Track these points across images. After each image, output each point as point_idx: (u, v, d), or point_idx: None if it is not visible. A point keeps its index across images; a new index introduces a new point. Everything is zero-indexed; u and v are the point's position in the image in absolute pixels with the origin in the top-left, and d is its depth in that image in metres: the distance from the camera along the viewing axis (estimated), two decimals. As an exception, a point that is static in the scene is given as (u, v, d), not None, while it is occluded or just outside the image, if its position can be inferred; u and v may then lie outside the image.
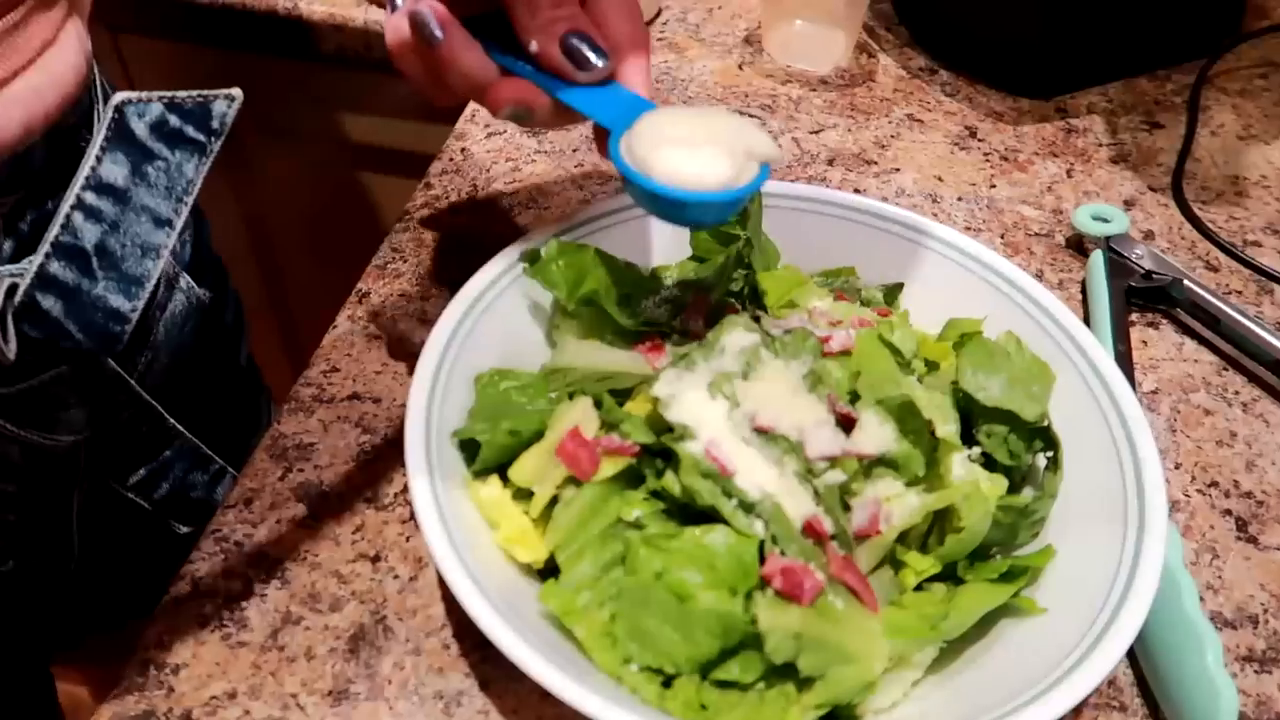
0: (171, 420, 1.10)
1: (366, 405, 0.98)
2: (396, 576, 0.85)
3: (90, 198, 0.77)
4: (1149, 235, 1.21)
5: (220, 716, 0.75)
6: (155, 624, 0.80)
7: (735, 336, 0.81)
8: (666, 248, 0.96)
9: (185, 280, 1.12)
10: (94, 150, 0.77)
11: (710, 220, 0.78)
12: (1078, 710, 0.78)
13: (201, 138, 0.82)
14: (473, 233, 1.17)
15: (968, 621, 0.71)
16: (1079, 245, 1.18)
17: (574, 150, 1.30)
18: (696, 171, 0.71)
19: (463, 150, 1.30)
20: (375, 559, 0.86)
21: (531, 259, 0.85)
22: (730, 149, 0.72)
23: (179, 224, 0.84)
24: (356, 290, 1.10)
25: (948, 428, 0.75)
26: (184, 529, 1.15)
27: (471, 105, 1.38)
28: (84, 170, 0.77)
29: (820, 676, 0.66)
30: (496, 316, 0.86)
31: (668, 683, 0.68)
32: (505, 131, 1.33)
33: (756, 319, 0.84)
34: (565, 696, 0.62)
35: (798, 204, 0.97)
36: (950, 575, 0.76)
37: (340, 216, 1.70)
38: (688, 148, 0.71)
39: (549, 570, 0.75)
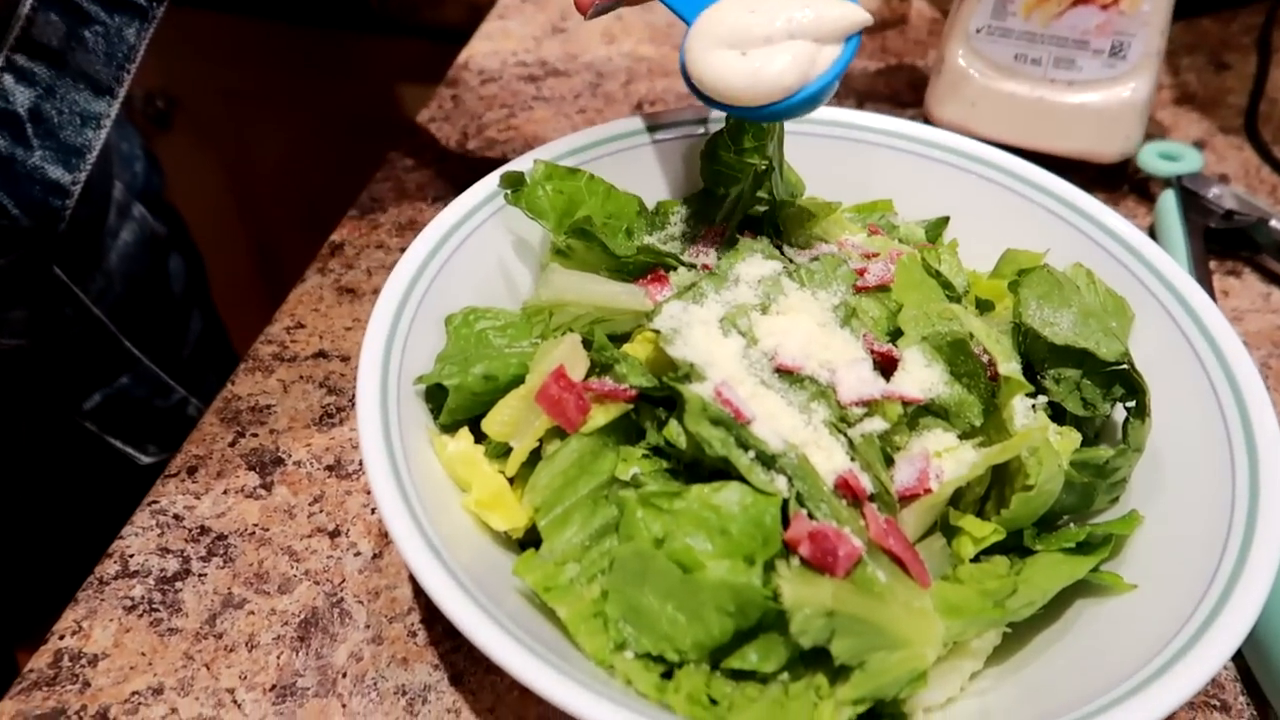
0: (127, 343, 1.03)
1: (333, 364, 0.86)
2: (358, 554, 0.72)
3: (21, 60, 0.72)
4: (1223, 179, 1.07)
5: (142, 715, 0.63)
6: (74, 608, 0.69)
7: (753, 264, 0.68)
8: (677, 181, 0.83)
9: (139, 209, 1.05)
10: (25, 9, 0.71)
11: (794, 115, 0.67)
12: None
13: (143, 1, 0.75)
14: (460, 183, 1.05)
15: (1039, 600, 0.58)
16: (1144, 189, 1.04)
17: (576, 97, 1.18)
18: (757, 71, 0.62)
19: (454, 97, 1.18)
20: (334, 534, 0.74)
21: (514, 184, 0.73)
22: (802, 31, 0.62)
23: (121, 92, 0.78)
24: (329, 242, 0.98)
25: (1010, 365, 0.62)
26: (145, 459, 1.07)
27: (465, 53, 1.27)
28: (14, 30, 0.71)
29: (859, 665, 0.53)
30: (474, 252, 0.73)
31: (669, 673, 0.55)
32: (500, 78, 1.21)
33: (778, 247, 0.71)
34: (543, 690, 0.49)
35: (824, 130, 0.84)
36: (1015, 546, 0.62)
37: (332, 185, 1.59)
38: (754, 45, 0.63)
39: (531, 541, 0.62)
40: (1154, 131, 1.13)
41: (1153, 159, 1.01)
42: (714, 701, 0.53)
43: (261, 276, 1.76)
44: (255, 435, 0.80)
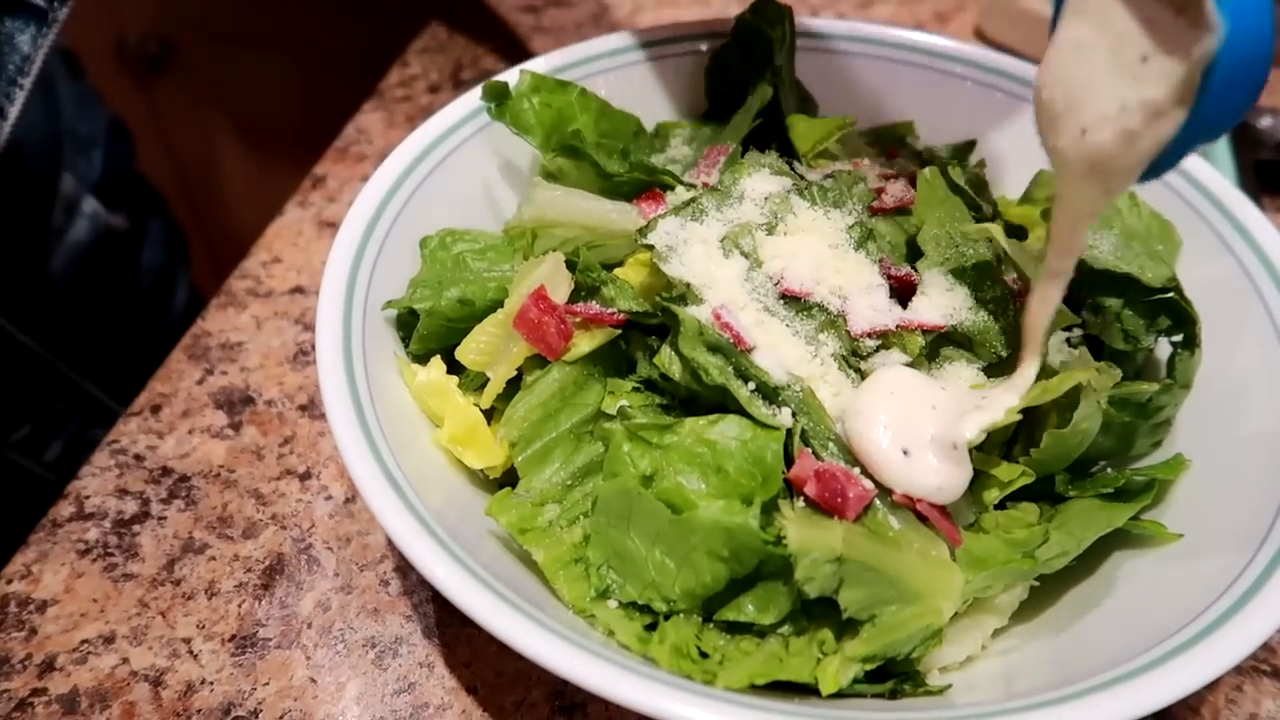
0: (63, 367, 0.92)
1: (310, 300, 0.81)
2: (329, 497, 0.67)
3: None
4: (1276, 112, 0.99)
5: (91, 665, 0.58)
6: (24, 551, 0.64)
7: (759, 180, 0.61)
8: (680, 101, 0.77)
9: (91, 204, 0.96)
10: None
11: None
12: (1216, 676, 0.58)
13: (42, 2, 0.65)
14: (454, 112, 0.99)
15: (1073, 550, 0.52)
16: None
17: (578, 27, 1.12)
18: None
19: (449, 29, 1.11)
20: (305, 476, 0.68)
21: (497, 96, 0.67)
22: None
23: (13, 111, 0.67)
24: (311, 175, 0.92)
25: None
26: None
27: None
28: None
29: (869, 619, 0.48)
30: (454, 173, 0.67)
31: (656, 624, 0.50)
32: (499, 9, 1.14)
33: (789, 164, 0.64)
34: (512, 639, 0.44)
35: (839, 46, 0.77)
36: (1046, 493, 0.56)
37: (327, 125, 1.53)
38: None
39: (510, 481, 0.57)
40: (1199, 63, 1.05)
41: (1198, 88, 0.93)
42: (704, 655, 0.47)
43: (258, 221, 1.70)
44: (225, 373, 0.75)
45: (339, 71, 1.49)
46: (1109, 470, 0.58)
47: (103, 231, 0.97)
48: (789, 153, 0.71)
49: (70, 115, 0.96)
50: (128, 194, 1.05)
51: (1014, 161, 0.72)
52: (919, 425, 0.50)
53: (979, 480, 0.54)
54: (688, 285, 0.55)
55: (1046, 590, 0.55)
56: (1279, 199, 0.89)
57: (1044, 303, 0.52)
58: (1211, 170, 0.65)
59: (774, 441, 0.50)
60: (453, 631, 0.60)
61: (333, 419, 0.51)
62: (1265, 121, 0.88)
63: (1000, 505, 0.55)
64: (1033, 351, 0.52)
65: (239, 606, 0.61)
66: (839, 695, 0.47)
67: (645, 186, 0.65)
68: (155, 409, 0.72)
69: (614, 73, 0.75)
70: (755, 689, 0.45)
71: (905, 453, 0.50)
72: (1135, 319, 0.59)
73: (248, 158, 1.63)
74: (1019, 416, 0.50)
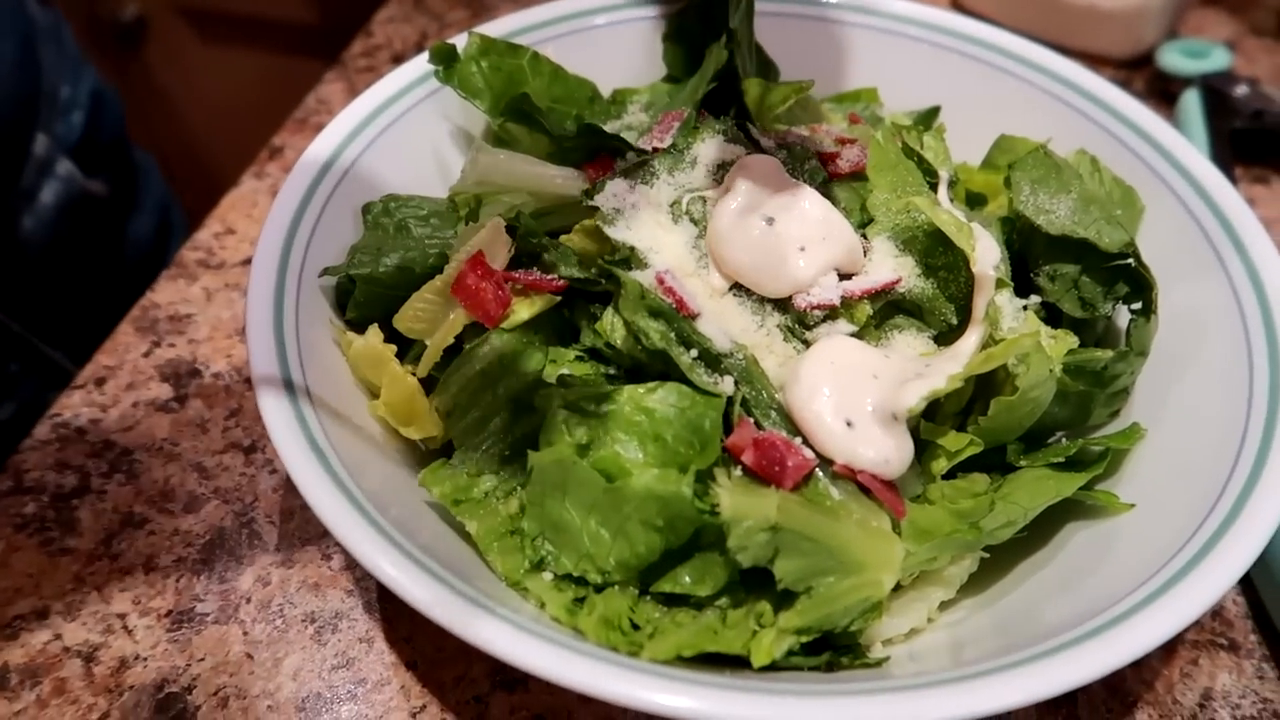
0: (17, 327, 0.90)
1: (263, 270, 0.79)
2: (274, 471, 0.66)
3: None
4: (1253, 81, 0.97)
5: (23, 641, 0.57)
6: (-42, 525, 0.63)
7: (712, 146, 0.60)
8: (638, 67, 0.75)
9: (66, 166, 0.94)
10: None
11: None
12: (1170, 647, 0.57)
13: None
14: (416, 82, 0.97)
15: (1019, 520, 0.51)
16: (1164, 93, 0.95)
17: (547, -3, 1.09)
18: None
19: (415, -2, 1.09)
20: (249, 450, 0.67)
21: (444, 59, 0.65)
22: None
23: None
24: (269, 145, 0.91)
25: (988, 260, 0.54)
26: None
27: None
28: None
29: (805, 591, 0.46)
30: (402, 138, 0.66)
31: (593, 595, 0.48)
32: (467, -23, 1.12)
33: (743, 129, 0.63)
34: (427, 609, 0.42)
35: (800, 10, 0.75)
36: (998, 464, 0.55)
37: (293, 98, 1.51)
38: None
39: (451, 451, 0.55)
40: (1178, 33, 1.03)
41: (1175, 57, 0.92)
42: (636, 627, 0.46)
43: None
44: (172, 345, 0.73)
45: (309, 42, 1.47)
46: (1064, 441, 0.57)
47: (78, 196, 0.95)
48: (747, 118, 0.69)
49: (52, 78, 0.94)
50: (111, 162, 1.02)
51: (978, 127, 0.70)
52: (860, 395, 0.49)
53: (927, 450, 0.53)
54: (632, 249, 0.53)
55: (997, 562, 0.54)
56: (1253, 168, 0.87)
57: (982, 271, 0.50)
58: (1175, 134, 0.63)
59: (713, 409, 0.49)
60: (394, 606, 0.59)
61: (258, 387, 0.49)
62: (1240, 90, 0.86)
63: (951, 475, 0.53)
64: (975, 319, 0.51)
65: (177, 581, 0.60)
66: (775, 669, 0.46)
67: (596, 152, 0.63)
68: (100, 381, 0.71)
69: (570, 37, 0.73)
70: (684, 662, 0.44)
71: (849, 424, 0.49)
72: (1092, 285, 0.57)
73: (217, 130, 1.61)
74: (960, 384, 0.48)
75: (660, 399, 0.49)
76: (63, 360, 0.94)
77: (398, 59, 1.01)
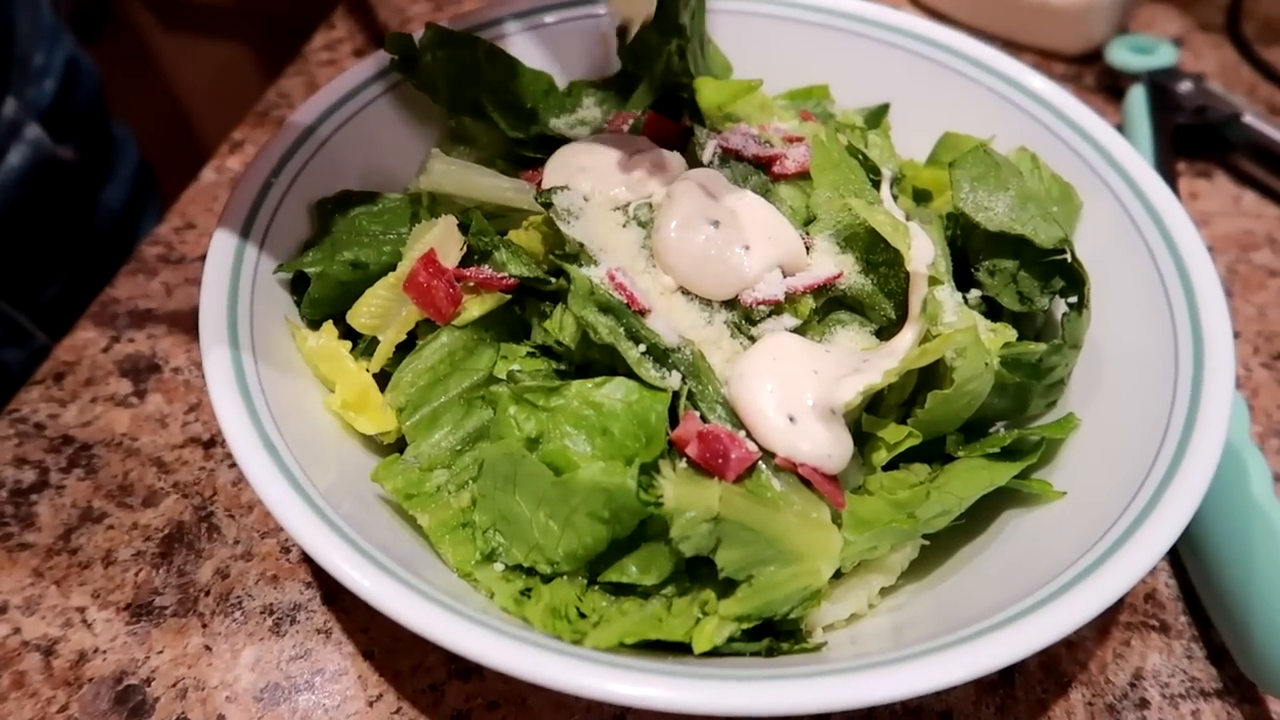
0: None
1: (222, 265, 0.79)
2: (233, 465, 0.67)
3: None
4: (1199, 77, 0.99)
5: (-18, 636, 0.58)
6: (-84, 521, 0.63)
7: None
8: (595, 61, 0.76)
9: (34, 131, 0.94)
10: None
11: None
12: (1104, 629, 0.59)
13: None
14: (377, 76, 0.97)
15: (954, 508, 0.52)
16: (1113, 88, 0.97)
17: (509, -10, 1.10)
18: None
19: (378, -11, 1.09)
20: (209, 444, 0.68)
21: (401, 49, 0.66)
22: None
23: None
24: (229, 139, 0.91)
25: (923, 259, 0.55)
26: None
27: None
28: None
29: (746, 580, 0.48)
30: (361, 134, 0.66)
31: (545, 582, 0.50)
32: (429, -30, 1.12)
33: (689, 132, 0.64)
34: (377, 601, 0.44)
35: (753, 8, 0.76)
36: (940, 454, 0.57)
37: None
38: None
39: (406, 446, 0.56)
40: (1128, 29, 1.05)
41: (1123, 53, 0.94)
42: (583, 615, 0.47)
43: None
44: (132, 340, 0.74)
45: (273, 36, 1.46)
46: (1003, 431, 0.58)
47: (46, 160, 0.95)
48: (698, 115, 0.70)
49: (25, 44, 0.94)
50: (84, 130, 1.03)
51: (927, 125, 0.71)
52: (800, 389, 0.50)
53: (868, 442, 0.54)
54: (581, 246, 0.55)
55: (938, 548, 0.55)
56: (1197, 163, 0.89)
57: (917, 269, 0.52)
58: (1113, 133, 0.65)
59: (659, 403, 0.50)
60: (352, 598, 0.59)
61: (211, 383, 0.50)
62: (1184, 86, 0.89)
63: (893, 465, 0.55)
64: (911, 315, 0.53)
65: (136, 575, 0.61)
66: (716, 654, 0.47)
67: (548, 150, 0.64)
68: (59, 377, 0.71)
69: (529, 31, 0.74)
70: (628, 649, 0.45)
71: (790, 419, 0.50)
72: (1030, 280, 0.59)
73: (180, 123, 1.60)
74: (895, 379, 0.50)
75: (607, 393, 0.51)
76: (26, 322, 0.94)
77: (360, 53, 1.01)
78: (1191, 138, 0.88)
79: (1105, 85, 0.97)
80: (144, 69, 1.61)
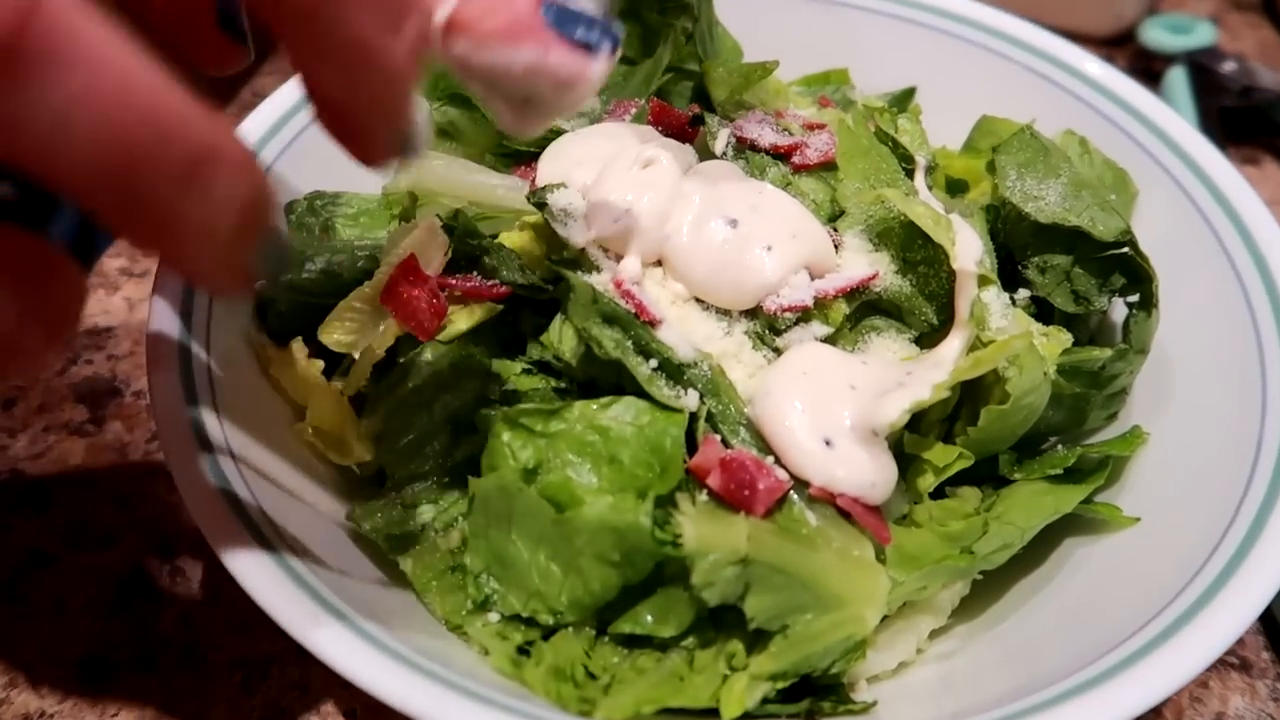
0: None
1: (191, 278, 0.73)
2: (200, 498, 0.60)
3: None
4: (1242, 58, 0.93)
5: (-86, 700, 0.51)
6: None
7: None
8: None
9: None
10: None
11: None
12: (1180, 672, 0.53)
13: None
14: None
15: (1016, 542, 0.46)
16: (1147, 71, 0.90)
17: (500, -20, 1.04)
18: None
19: (359, -17, 1.03)
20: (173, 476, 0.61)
21: (375, 40, 0.59)
22: None
23: None
24: (201, 142, 0.84)
25: (970, 255, 0.49)
26: None
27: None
28: None
29: (780, 630, 0.41)
30: (334, 131, 0.60)
31: (545, 638, 0.43)
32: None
33: (699, 120, 0.57)
34: (343, 669, 0.37)
35: (768, -13, 0.70)
36: (990, 475, 0.50)
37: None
38: None
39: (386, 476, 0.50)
40: (1160, 8, 0.99)
41: (1158, 33, 0.88)
42: (592, 676, 0.41)
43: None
44: (90, 362, 0.67)
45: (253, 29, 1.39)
46: (1059, 447, 0.52)
47: None
48: (708, 102, 0.64)
49: None
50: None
51: (958, 109, 0.65)
52: (837, 408, 0.44)
53: (912, 465, 0.48)
54: (583, 250, 0.48)
55: (991, 583, 0.49)
56: (1244, 147, 0.83)
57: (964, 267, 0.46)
58: (1170, 113, 0.59)
59: (674, 426, 0.44)
60: (332, 647, 0.53)
61: (157, 413, 0.44)
62: (1228, 67, 0.82)
63: (938, 493, 0.49)
64: (958, 320, 0.46)
65: (89, 626, 0.54)
66: (747, 718, 0.41)
67: (542, 143, 0.58)
68: (8, 404, 0.65)
69: (517, 19, 0.68)
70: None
71: (827, 443, 0.44)
72: (1086, 278, 0.52)
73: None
74: (946, 394, 0.43)
75: (615, 415, 0.44)
76: None
77: (340, 48, 0.95)
78: (1236, 121, 0.82)
79: (1139, 68, 0.90)
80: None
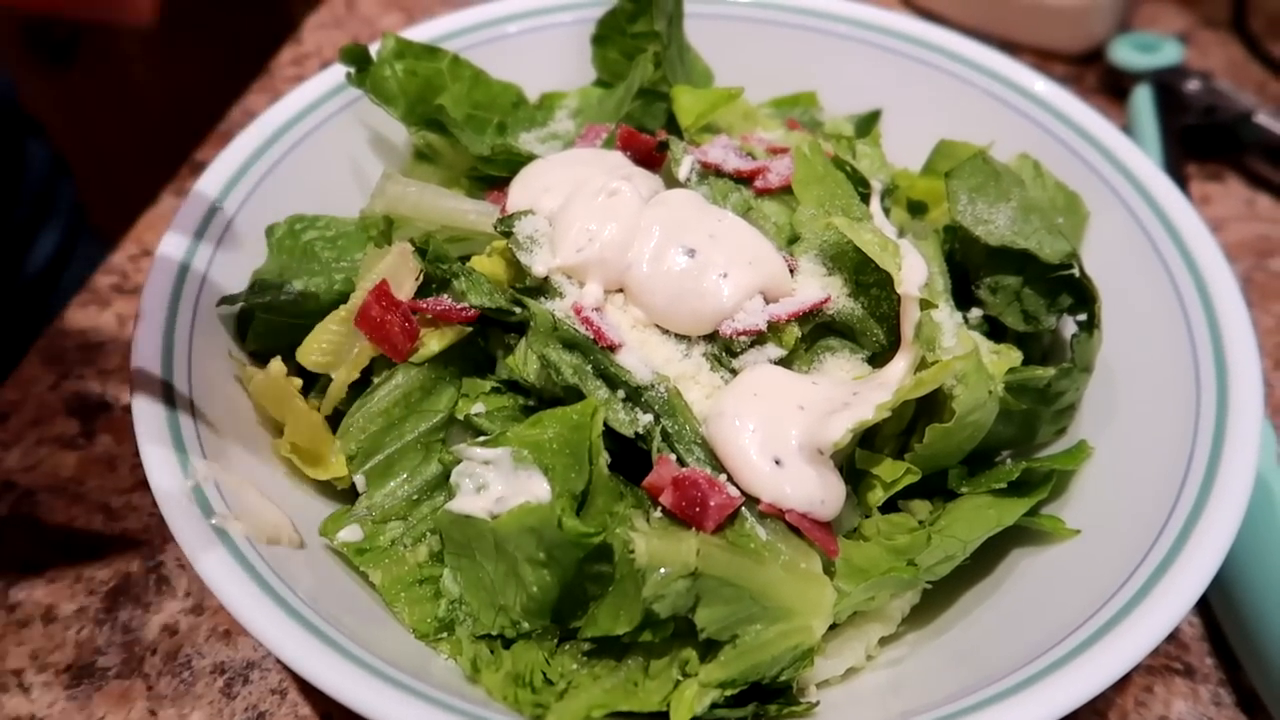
0: None
1: (180, 294, 0.75)
2: (185, 510, 0.62)
3: None
4: (1206, 75, 0.95)
5: (-91, 705, 0.53)
6: None
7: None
8: (568, 71, 0.71)
9: None
10: None
11: None
12: (1124, 675, 0.54)
13: None
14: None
15: (958, 553, 0.48)
16: (1116, 87, 0.92)
17: (486, -2, 1.06)
18: None
19: (347, 3, 1.05)
20: (160, 488, 0.63)
21: (357, 60, 0.61)
22: None
23: None
24: (191, 161, 0.87)
25: (915, 280, 0.50)
26: None
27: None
28: None
29: (729, 640, 0.43)
30: (317, 153, 0.62)
31: (506, 646, 0.45)
32: (403, -19, 1.08)
33: (664, 146, 0.59)
34: (312, 675, 0.39)
35: (736, 12, 0.72)
36: (938, 489, 0.52)
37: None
38: None
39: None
40: (1131, 26, 1.01)
41: (1126, 52, 0.90)
42: (550, 682, 0.43)
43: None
44: (81, 377, 0.69)
45: (242, 52, 1.42)
46: (1008, 461, 0.54)
47: None
48: (676, 127, 0.66)
49: None
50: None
51: (921, 132, 0.67)
52: (785, 427, 0.46)
53: (862, 480, 0.50)
54: (545, 277, 0.50)
55: (941, 592, 0.51)
56: (1206, 165, 0.85)
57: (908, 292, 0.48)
58: (1122, 138, 0.61)
59: (590, 427, 0.45)
60: (311, 654, 0.55)
61: (139, 429, 0.46)
62: (1192, 85, 0.84)
63: (890, 502, 0.51)
64: (904, 341, 0.48)
65: (78, 634, 0.56)
66: (696, 722, 0.43)
67: (516, 169, 0.60)
68: (2, 418, 0.67)
69: (498, 41, 0.70)
70: (598, 722, 0.41)
71: (777, 462, 0.46)
72: (1035, 298, 0.54)
73: (145, 145, 1.56)
74: (888, 414, 0.45)
75: (541, 432, 0.46)
76: None
77: (327, 66, 0.97)
78: (1201, 139, 0.84)
79: (1108, 86, 0.92)
80: (113, 93, 1.58)
